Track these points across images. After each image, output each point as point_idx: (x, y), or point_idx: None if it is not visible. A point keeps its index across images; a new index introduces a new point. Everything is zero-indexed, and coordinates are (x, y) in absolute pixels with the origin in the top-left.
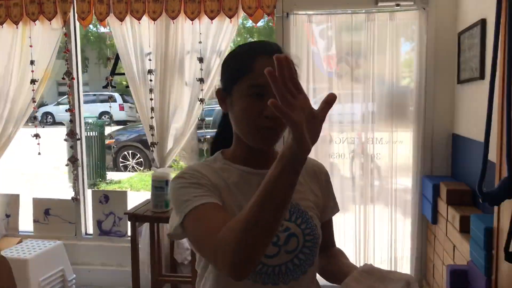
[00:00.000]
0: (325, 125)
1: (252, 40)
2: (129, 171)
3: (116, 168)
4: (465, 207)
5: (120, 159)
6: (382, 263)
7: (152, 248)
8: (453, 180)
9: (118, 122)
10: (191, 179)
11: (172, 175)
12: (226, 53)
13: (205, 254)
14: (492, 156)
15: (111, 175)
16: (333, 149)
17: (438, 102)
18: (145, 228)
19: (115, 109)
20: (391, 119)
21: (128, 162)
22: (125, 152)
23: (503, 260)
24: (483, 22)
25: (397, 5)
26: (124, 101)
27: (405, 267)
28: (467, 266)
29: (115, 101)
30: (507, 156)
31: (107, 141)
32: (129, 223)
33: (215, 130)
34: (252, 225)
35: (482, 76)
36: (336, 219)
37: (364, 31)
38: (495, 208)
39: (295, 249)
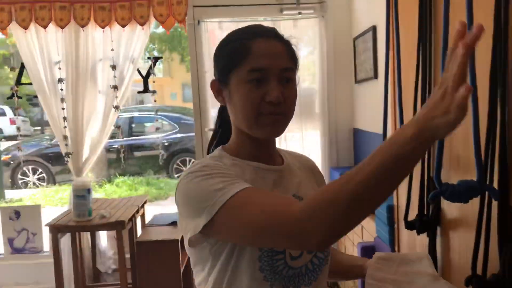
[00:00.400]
0: None
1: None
2: (30, 187)
3: (15, 185)
4: None
5: (19, 176)
6: None
7: (75, 259)
8: None
9: (9, 138)
10: (213, 170)
11: (92, 183)
12: (139, 61)
13: (275, 234)
14: None
15: (10, 193)
16: None
17: (339, 101)
18: (62, 240)
19: (5, 123)
20: (300, 119)
21: (28, 179)
22: (25, 168)
23: (404, 231)
24: (374, 29)
25: (299, 13)
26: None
27: None
28: (374, 241)
29: (4, 115)
30: None
31: (2, 157)
32: (46, 237)
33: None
34: (370, 189)
35: (376, 76)
36: None
37: None
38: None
39: None
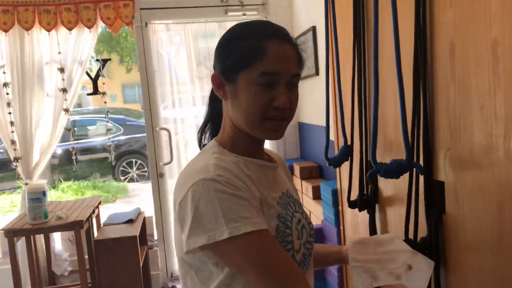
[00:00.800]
0: (190, 126)
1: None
2: None
3: None
4: (315, 180)
5: None
6: None
7: (31, 263)
8: (302, 160)
9: None
10: (231, 187)
11: (47, 186)
12: (87, 63)
13: (272, 283)
14: (331, 136)
15: None
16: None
17: None
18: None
19: None
20: None
21: None
22: None
23: (347, 211)
24: (314, 28)
25: (244, 14)
26: None
27: None
28: (321, 224)
29: None
30: (342, 132)
31: None
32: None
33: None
34: None
35: (317, 73)
36: None
37: (218, 37)
38: (337, 174)
39: (306, 239)
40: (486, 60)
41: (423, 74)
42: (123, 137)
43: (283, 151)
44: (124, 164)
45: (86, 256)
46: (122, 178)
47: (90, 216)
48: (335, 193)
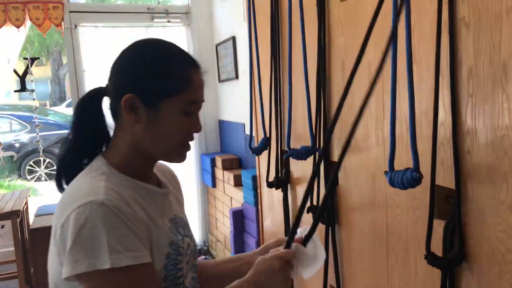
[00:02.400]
0: None
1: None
2: None
3: None
4: (235, 170)
5: None
6: None
7: None
8: (222, 153)
9: None
10: (120, 214)
11: None
12: (15, 61)
13: None
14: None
15: None
16: None
17: (206, 97)
18: None
19: None
20: None
21: None
22: None
23: (264, 193)
24: (234, 38)
25: (169, 21)
26: None
27: (193, 225)
28: (242, 206)
29: None
30: (262, 127)
31: None
32: None
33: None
34: None
35: (237, 77)
36: None
37: None
38: (257, 163)
39: (192, 263)
40: (365, 75)
41: (323, 82)
42: (29, 135)
43: (205, 146)
44: (31, 163)
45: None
46: (29, 177)
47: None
48: (254, 179)
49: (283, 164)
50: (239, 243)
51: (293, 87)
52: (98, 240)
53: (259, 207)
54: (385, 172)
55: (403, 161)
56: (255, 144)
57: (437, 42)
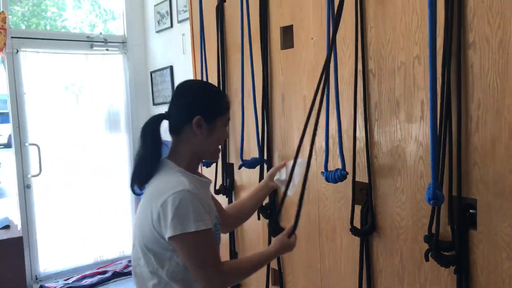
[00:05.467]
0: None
1: None
2: None
3: None
4: None
5: None
6: (109, 237)
7: None
8: None
9: None
10: (198, 197)
11: None
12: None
13: (199, 272)
14: None
15: None
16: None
17: (140, 118)
18: None
19: None
20: (110, 133)
21: None
22: None
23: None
24: (171, 67)
25: (107, 49)
26: None
27: (127, 237)
28: None
29: None
30: None
31: None
32: None
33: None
34: (249, 275)
35: None
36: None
37: (84, 67)
38: None
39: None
40: (300, 105)
41: (266, 109)
42: None
43: None
44: None
45: None
46: None
47: None
48: None
49: (227, 174)
50: None
51: (244, 111)
52: (187, 214)
53: None
54: (322, 172)
55: (333, 164)
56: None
57: (355, 84)
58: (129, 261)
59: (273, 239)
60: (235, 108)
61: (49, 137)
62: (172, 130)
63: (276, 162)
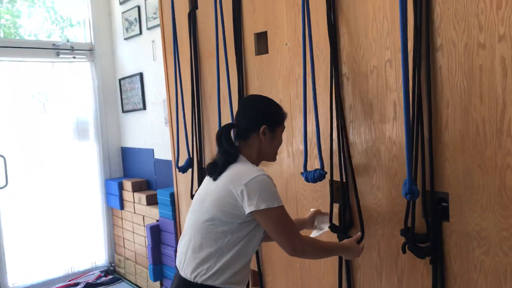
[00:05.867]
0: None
1: None
2: None
3: None
4: (145, 191)
5: None
6: (80, 248)
7: None
8: (126, 178)
9: None
10: (273, 182)
11: None
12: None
13: (284, 238)
14: (168, 155)
15: None
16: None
17: (109, 126)
18: None
19: None
20: (78, 141)
21: None
22: None
23: (182, 206)
24: (141, 74)
25: (74, 57)
26: None
27: (99, 247)
28: (158, 222)
29: None
30: (187, 149)
31: None
32: None
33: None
34: (320, 256)
35: (144, 108)
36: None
37: (50, 75)
38: (174, 182)
39: None
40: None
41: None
42: None
43: (109, 172)
44: None
45: None
46: None
47: None
48: (172, 195)
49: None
50: (156, 254)
51: (212, 120)
52: (270, 192)
53: (177, 219)
54: (302, 172)
55: (310, 165)
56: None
57: (330, 88)
58: (102, 272)
59: (345, 240)
60: (210, 112)
61: (15, 147)
62: (240, 136)
63: None
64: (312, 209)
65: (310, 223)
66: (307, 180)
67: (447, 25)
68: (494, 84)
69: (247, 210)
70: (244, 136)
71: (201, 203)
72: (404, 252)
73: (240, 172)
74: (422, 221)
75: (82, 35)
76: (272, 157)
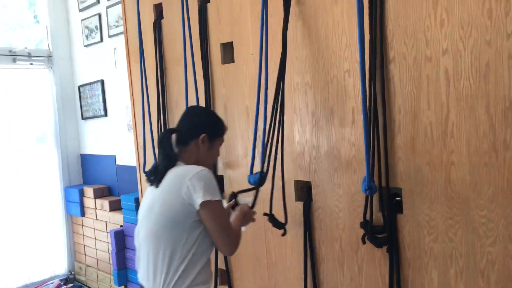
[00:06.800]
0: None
1: None
2: None
3: None
4: (107, 197)
5: None
6: (39, 257)
7: None
8: (87, 185)
9: None
10: (214, 177)
11: None
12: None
13: (225, 234)
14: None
15: None
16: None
17: (68, 133)
18: None
19: None
20: (36, 148)
21: None
22: None
23: None
24: (102, 81)
25: (31, 64)
26: None
27: (58, 255)
28: (122, 227)
29: None
30: (153, 155)
31: None
32: None
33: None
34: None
35: (106, 114)
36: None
37: (7, 82)
38: (139, 186)
39: None
40: (243, 115)
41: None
42: None
43: (68, 179)
44: None
45: None
46: None
47: None
48: (137, 200)
49: None
50: (120, 259)
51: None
52: (213, 186)
53: None
54: (248, 176)
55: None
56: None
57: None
58: (61, 280)
59: (238, 210)
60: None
61: None
62: (180, 141)
63: (221, 169)
64: (241, 200)
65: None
66: (249, 182)
67: (399, 40)
68: (439, 92)
69: (198, 202)
70: (184, 142)
71: (149, 213)
72: (363, 242)
73: (181, 172)
74: (379, 215)
75: (32, 40)
76: (209, 166)
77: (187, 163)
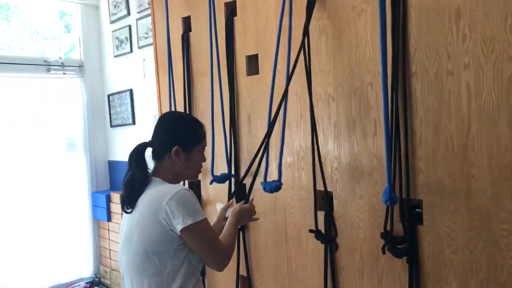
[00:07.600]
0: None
1: None
2: None
3: None
4: None
5: None
6: (66, 260)
7: None
8: (114, 191)
9: None
10: (194, 195)
11: None
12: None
13: (212, 254)
14: None
15: None
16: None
17: (97, 140)
18: None
19: None
20: (68, 154)
21: None
22: None
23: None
24: (131, 91)
25: (64, 73)
26: None
27: (85, 259)
28: None
29: None
30: None
31: None
32: None
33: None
34: (233, 245)
35: (134, 123)
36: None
37: (41, 91)
38: None
39: None
40: (266, 126)
41: (234, 128)
42: None
43: (96, 185)
44: None
45: None
46: None
47: None
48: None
49: (194, 190)
50: None
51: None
52: (193, 206)
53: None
54: (261, 182)
55: (298, 177)
56: None
57: (311, 107)
58: (87, 283)
59: (232, 211)
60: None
61: (3, 160)
62: (155, 156)
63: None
64: (218, 205)
65: (223, 219)
66: (264, 189)
67: (421, 54)
68: (461, 105)
69: (178, 228)
70: (159, 157)
71: (128, 242)
72: (383, 253)
73: (157, 194)
74: (399, 225)
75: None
76: (191, 177)
77: (165, 179)
